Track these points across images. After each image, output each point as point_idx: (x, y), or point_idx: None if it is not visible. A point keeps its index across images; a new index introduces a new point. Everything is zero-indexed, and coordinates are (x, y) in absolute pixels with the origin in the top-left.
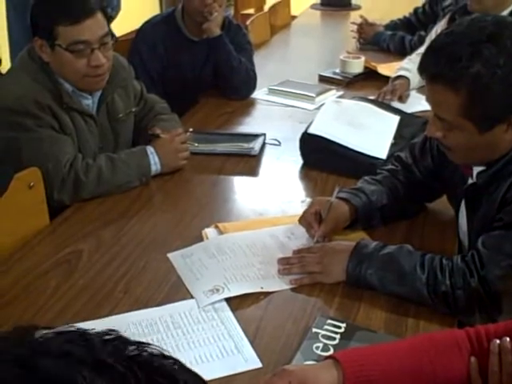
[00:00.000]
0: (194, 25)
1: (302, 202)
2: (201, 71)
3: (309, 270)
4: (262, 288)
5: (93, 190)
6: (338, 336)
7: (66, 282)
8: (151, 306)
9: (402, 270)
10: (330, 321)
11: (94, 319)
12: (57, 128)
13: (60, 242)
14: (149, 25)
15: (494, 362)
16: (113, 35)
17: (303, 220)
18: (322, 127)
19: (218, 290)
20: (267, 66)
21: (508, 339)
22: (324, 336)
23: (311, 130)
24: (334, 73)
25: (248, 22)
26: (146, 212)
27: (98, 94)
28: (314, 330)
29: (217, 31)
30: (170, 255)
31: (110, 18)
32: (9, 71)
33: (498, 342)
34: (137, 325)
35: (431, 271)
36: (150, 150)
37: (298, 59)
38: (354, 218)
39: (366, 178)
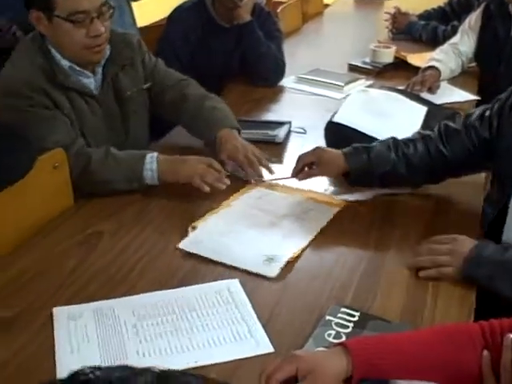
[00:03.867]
0: (225, 11)
1: (325, 190)
2: (230, 58)
3: (438, 263)
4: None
5: (77, 178)
6: (351, 324)
7: (85, 261)
8: (167, 289)
9: None
10: (343, 309)
11: (110, 299)
12: (51, 107)
13: (82, 222)
14: (179, 11)
15: (507, 356)
16: (110, 5)
17: (298, 159)
18: (347, 116)
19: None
20: (297, 54)
21: None
22: (337, 324)
23: (336, 119)
24: (364, 62)
25: (279, 10)
26: (167, 195)
27: (100, 72)
28: (328, 317)
29: (247, 17)
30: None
31: None
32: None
33: (511, 336)
34: (153, 305)
35: None
36: (151, 156)
37: (328, 48)
38: (348, 173)
39: (390, 139)
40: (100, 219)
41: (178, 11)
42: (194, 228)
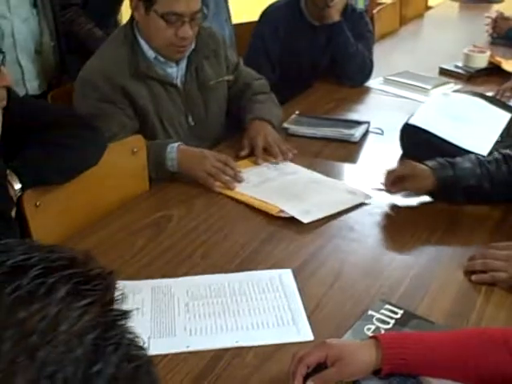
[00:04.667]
0: (316, 9)
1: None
2: (318, 56)
3: (492, 268)
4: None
5: None
6: (392, 321)
7: (152, 241)
8: (224, 273)
9: None
10: (387, 305)
11: (170, 278)
12: (118, 103)
13: (154, 205)
14: (272, 7)
15: None
16: (203, 12)
17: (389, 172)
18: (424, 119)
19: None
20: (390, 56)
21: None
22: (378, 319)
23: (412, 121)
24: (456, 66)
25: (375, 11)
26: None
27: (184, 62)
28: (370, 312)
29: (336, 17)
30: None
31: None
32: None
33: None
34: (206, 287)
35: None
36: (171, 147)
37: (422, 51)
38: (435, 188)
39: (472, 155)
40: (172, 204)
41: (271, 7)
42: None
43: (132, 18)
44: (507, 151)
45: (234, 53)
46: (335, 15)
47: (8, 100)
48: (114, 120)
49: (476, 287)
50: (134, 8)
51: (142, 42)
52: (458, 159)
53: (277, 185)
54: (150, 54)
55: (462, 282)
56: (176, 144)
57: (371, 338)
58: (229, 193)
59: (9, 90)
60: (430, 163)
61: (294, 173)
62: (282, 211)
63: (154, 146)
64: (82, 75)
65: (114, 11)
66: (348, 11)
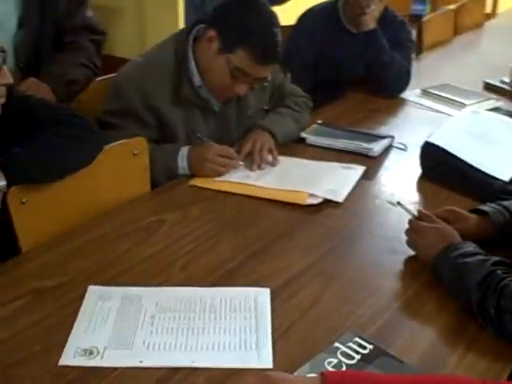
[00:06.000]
0: (353, 16)
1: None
2: (354, 63)
3: (408, 238)
4: None
5: None
6: (358, 356)
7: (136, 247)
8: (200, 286)
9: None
10: (357, 339)
11: (145, 286)
12: (146, 122)
13: (150, 209)
14: (310, 12)
15: None
16: (267, 80)
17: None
18: (445, 137)
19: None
20: (434, 67)
21: None
22: (343, 353)
23: (432, 139)
24: (502, 81)
25: (424, 19)
26: (241, 200)
27: None
28: (336, 344)
29: (372, 24)
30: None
31: None
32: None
33: None
34: (177, 300)
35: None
36: (182, 152)
37: (471, 63)
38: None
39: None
40: (168, 209)
41: (308, 12)
42: None
43: (189, 31)
44: None
45: (280, 70)
46: (371, 22)
47: (9, 98)
48: (128, 134)
49: (461, 329)
50: (206, 38)
51: (192, 65)
52: (505, 203)
53: (278, 174)
54: (196, 80)
55: (445, 322)
56: (185, 152)
57: (320, 374)
58: (248, 192)
59: (9, 88)
60: (483, 207)
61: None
62: (312, 195)
63: (162, 154)
64: (120, 79)
65: None
66: (388, 19)
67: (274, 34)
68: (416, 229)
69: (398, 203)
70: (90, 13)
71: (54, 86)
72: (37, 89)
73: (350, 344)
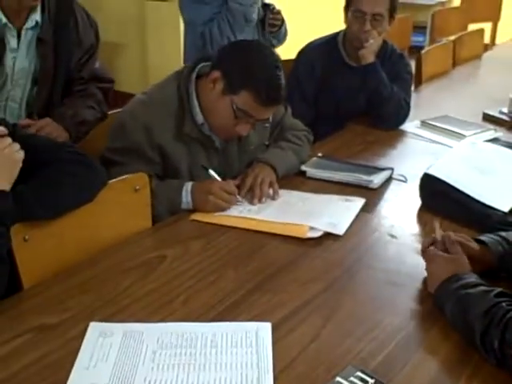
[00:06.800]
0: (353, 50)
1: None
2: (354, 97)
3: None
4: None
5: None
6: None
7: (138, 282)
8: (203, 321)
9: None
10: (358, 373)
11: (146, 322)
12: (150, 158)
13: (151, 245)
14: (310, 46)
15: None
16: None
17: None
18: (444, 169)
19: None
20: (433, 99)
21: None
22: None
23: (431, 171)
24: (501, 112)
25: (423, 52)
26: (240, 235)
27: None
28: (338, 378)
29: (370, 58)
30: None
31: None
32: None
33: None
34: (178, 336)
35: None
36: (187, 187)
37: (469, 94)
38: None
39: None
40: (168, 244)
41: (308, 46)
42: None
43: (192, 69)
44: None
45: (282, 104)
46: (369, 56)
47: (12, 137)
48: (132, 170)
49: (464, 362)
50: (210, 79)
51: (195, 103)
52: (503, 233)
53: (279, 207)
54: (199, 118)
55: (447, 353)
56: (190, 187)
57: None
58: (248, 226)
59: (14, 127)
60: (482, 237)
61: (283, 196)
62: (312, 229)
63: (167, 189)
64: (124, 117)
65: None
66: (387, 52)
67: (277, 76)
68: (427, 257)
69: None
70: (97, 64)
71: (67, 126)
72: (51, 128)
73: (352, 378)
